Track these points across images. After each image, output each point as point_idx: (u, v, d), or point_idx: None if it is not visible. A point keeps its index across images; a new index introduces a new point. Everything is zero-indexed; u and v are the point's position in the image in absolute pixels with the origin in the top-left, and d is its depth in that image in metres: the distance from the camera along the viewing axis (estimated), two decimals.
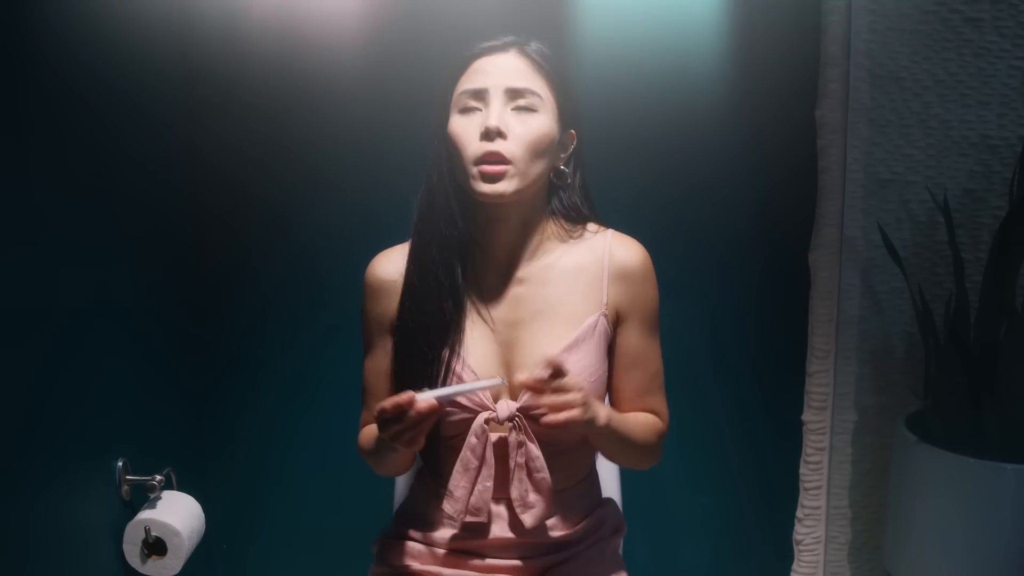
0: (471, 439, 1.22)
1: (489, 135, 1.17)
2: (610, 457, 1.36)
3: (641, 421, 1.29)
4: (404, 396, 1.09)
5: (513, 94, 1.19)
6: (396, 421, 1.11)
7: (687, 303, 1.87)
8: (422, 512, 1.33)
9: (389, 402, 1.10)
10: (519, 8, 1.77)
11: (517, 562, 1.29)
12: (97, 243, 1.52)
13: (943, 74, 1.79)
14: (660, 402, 1.33)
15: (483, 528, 1.28)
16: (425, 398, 1.10)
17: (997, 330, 1.69)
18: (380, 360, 1.31)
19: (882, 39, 1.77)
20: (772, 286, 1.94)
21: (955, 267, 1.73)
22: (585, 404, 1.12)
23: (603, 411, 1.17)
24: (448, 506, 1.25)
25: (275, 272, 1.92)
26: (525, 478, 1.23)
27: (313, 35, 1.82)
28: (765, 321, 1.95)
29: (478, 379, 1.22)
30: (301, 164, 1.87)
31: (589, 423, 1.14)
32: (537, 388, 1.11)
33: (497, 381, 1.16)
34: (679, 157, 1.87)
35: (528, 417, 1.22)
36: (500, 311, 1.27)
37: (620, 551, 1.42)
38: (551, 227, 1.30)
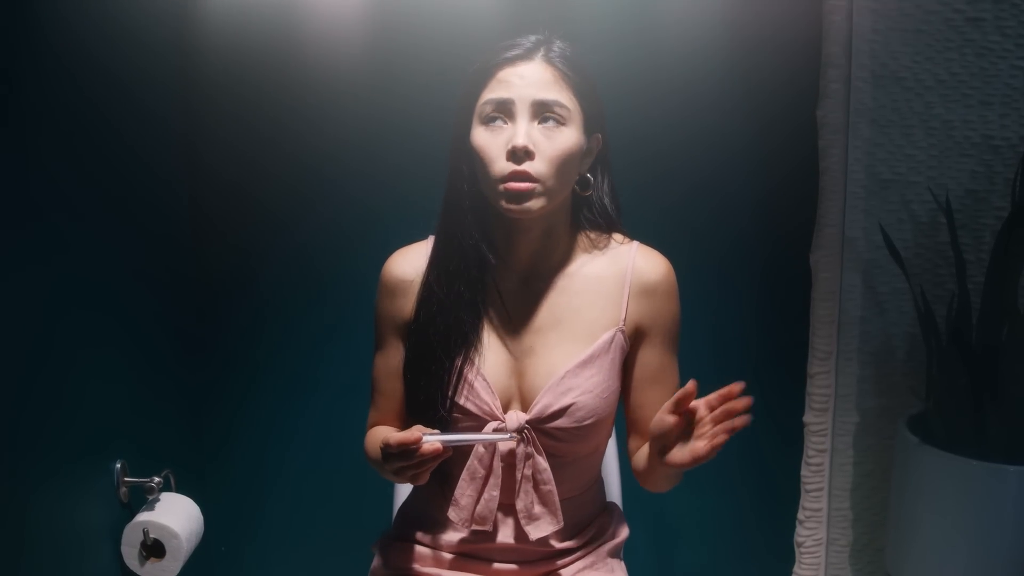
0: (479, 448, 1.22)
1: (516, 155, 1.13)
2: (659, 484, 1.27)
3: None
4: (411, 435, 1.09)
5: (540, 108, 1.15)
6: (401, 458, 1.10)
7: (687, 304, 1.84)
8: (426, 514, 1.33)
9: (395, 439, 1.09)
10: (520, 9, 1.77)
11: (521, 565, 1.28)
12: (94, 241, 1.51)
13: (945, 74, 1.79)
14: None
15: (488, 533, 1.27)
16: (431, 441, 1.10)
17: (999, 331, 1.69)
18: (392, 359, 1.30)
19: (884, 39, 1.77)
20: (773, 287, 1.93)
21: (957, 268, 1.72)
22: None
23: None
24: (453, 514, 1.24)
25: (274, 272, 1.92)
26: (531, 490, 1.23)
27: (313, 34, 1.82)
28: (766, 322, 1.94)
29: (489, 386, 1.22)
30: (300, 163, 1.87)
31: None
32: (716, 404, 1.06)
33: (506, 437, 1.16)
34: (679, 157, 1.86)
35: (536, 429, 1.21)
36: (517, 318, 1.25)
37: (622, 554, 1.42)
38: (576, 237, 1.28)
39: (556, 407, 1.20)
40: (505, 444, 1.22)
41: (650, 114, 1.84)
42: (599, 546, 1.34)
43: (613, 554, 1.36)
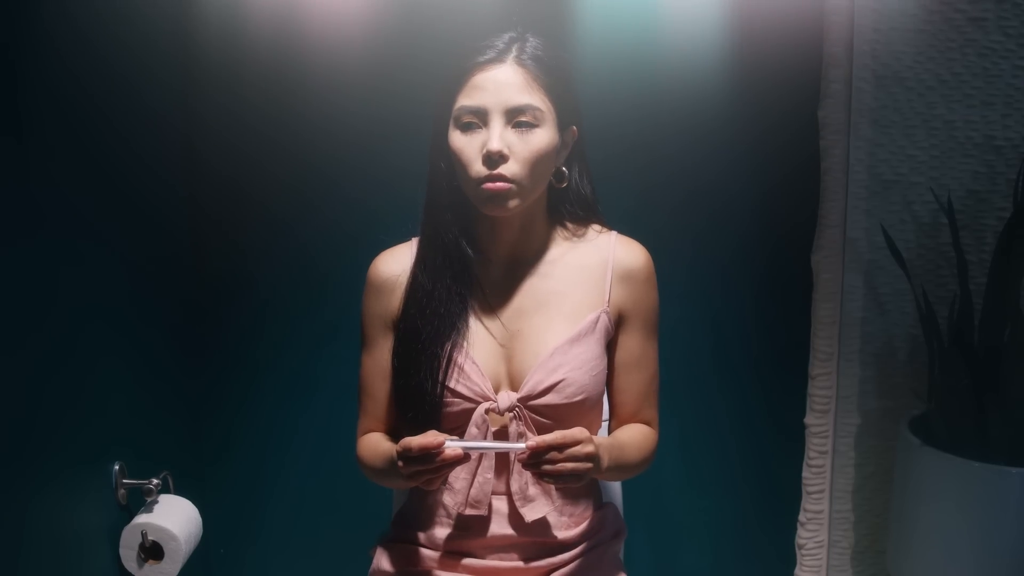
0: (471, 429, 1.23)
1: (491, 159, 1.17)
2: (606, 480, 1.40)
3: (638, 442, 1.30)
4: (433, 440, 1.10)
5: (513, 112, 1.18)
6: (420, 462, 1.11)
7: (689, 305, 1.86)
8: (422, 514, 1.32)
9: (416, 443, 1.10)
10: (520, 9, 1.76)
11: (519, 563, 1.28)
12: (92, 242, 1.51)
13: (947, 74, 1.78)
14: (654, 412, 1.34)
15: (483, 526, 1.27)
16: (454, 447, 1.11)
17: (1001, 332, 1.68)
18: (380, 358, 1.31)
19: (885, 39, 1.76)
20: (774, 288, 1.93)
21: (959, 269, 1.72)
22: (591, 458, 1.12)
23: (604, 456, 1.18)
24: (448, 498, 1.26)
25: (274, 273, 1.91)
26: (525, 470, 1.22)
27: (313, 33, 1.81)
28: (767, 323, 1.94)
29: (479, 369, 1.24)
30: (300, 163, 1.86)
31: (594, 471, 1.15)
32: (545, 451, 1.11)
33: (522, 447, 1.16)
34: (681, 159, 1.86)
35: (528, 407, 1.23)
36: (502, 303, 1.28)
37: (621, 555, 1.41)
38: (555, 227, 1.32)
39: (547, 383, 1.22)
40: (505, 400, 1.23)
41: (651, 116, 1.83)
42: (597, 545, 1.33)
43: (612, 555, 1.36)
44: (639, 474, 1.32)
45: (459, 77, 1.21)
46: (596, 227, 1.33)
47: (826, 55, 1.77)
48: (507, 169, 1.18)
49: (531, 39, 1.22)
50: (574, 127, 1.27)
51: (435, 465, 1.11)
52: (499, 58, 1.20)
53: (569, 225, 1.32)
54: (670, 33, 1.81)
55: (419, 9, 1.80)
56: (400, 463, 1.13)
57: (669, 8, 1.81)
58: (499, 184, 1.17)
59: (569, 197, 1.31)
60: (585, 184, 1.32)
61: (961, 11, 1.75)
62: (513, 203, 1.19)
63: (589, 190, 1.32)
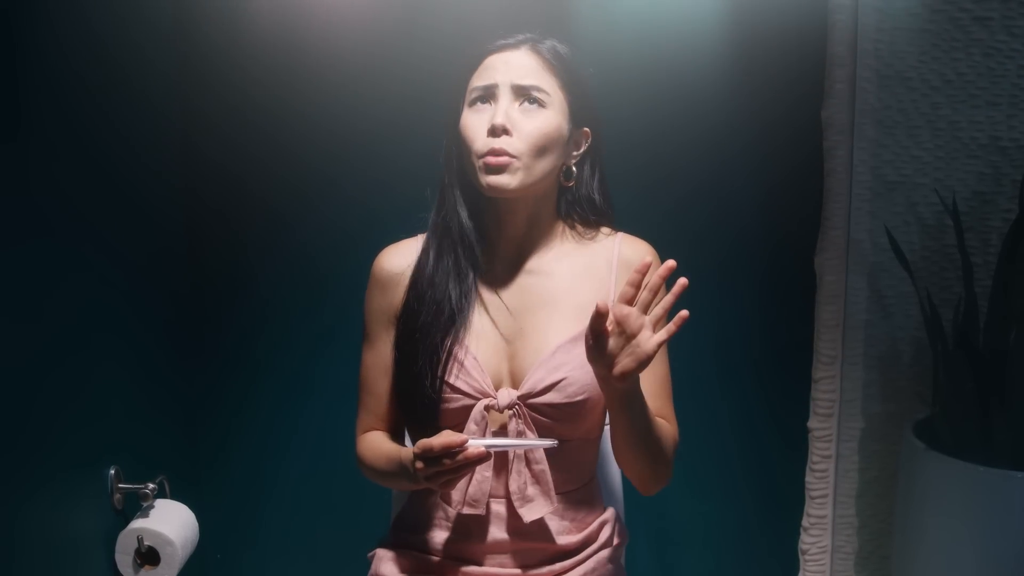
0: (470, 426, 1.22)
1: (495, 131, 1.19)
2: (630, 449, 1.21)
3: (660, 423, 1.26)
4: (456, 438, 1.09)
5: (520, 90, 1.21)
6: (439, 462, 1.10)
7: (691, 307, 1.83)
8: (421, 518, 1.32)
9: (438, 443, 1.09)
10: (520, 8, 1.76)
11: (518, 571, 1.27)
12: (89, 243, 1.50)
13: (951, 74, 1.77)
14: (670, 408, 1.32)
15: (482, 531, 1.26)
16: (476, 445, 1.10)
17: (1007, 335, 1.67)
18: (382, 354, 1.30)
19: (889, 38, 1.76)
20: (777, 290, 1.92)
21: (964, 271, 1.71)
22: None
23: (639, 392, 1.16)
24: (445, 498, 1.26)
25: (272, 274, 1.91)
26: (524, 469, 1.23)
27: (314, 32, 1.81)
28: (770, 326, 1.93)
29: (480, 365, 1.23)
30: (300, 163, 1.86)
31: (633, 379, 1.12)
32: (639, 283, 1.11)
33: (548, 443, 1.16)
34: (683, 159, 1.85)
35: (528, 406, 1.22)
36: (506, 301, 1.28)
37: (623, 560, 1.41)
38: (563, 227, 1.32)
39: (548, 382, 1.21)
40: (504, 397, 1.22)
41: (654, 115, 1.83)
42: (598, 550, 1.32)
43: (613, 560, 1.35)
44: (662, 478, 1.26)
45: (473, 61, 1.26)
46: (605, 230, 1.33)
47: (830, 55, 1.76)
48: (509, 144, 1.19)
49: (551, 40, 1.26)
50: (587, 129, 1.28)
51: (456, 464, 1.10)
52: (514, 45, 1.24)
53: (578, 227, 1.32)
54: (673, 33, 1.81)
55: (421, 8, 1.80)
56: (419, 464, 1.12)
57: (671, 7, 1.80)
58: (501, 158, 1.18)
59: (579, 199, 1.31)
60: (597, 188, 1.32)
61: (966, 10, 1.75)
62: (513, 179, 1.20)
63: (601, 194, 1.32)
